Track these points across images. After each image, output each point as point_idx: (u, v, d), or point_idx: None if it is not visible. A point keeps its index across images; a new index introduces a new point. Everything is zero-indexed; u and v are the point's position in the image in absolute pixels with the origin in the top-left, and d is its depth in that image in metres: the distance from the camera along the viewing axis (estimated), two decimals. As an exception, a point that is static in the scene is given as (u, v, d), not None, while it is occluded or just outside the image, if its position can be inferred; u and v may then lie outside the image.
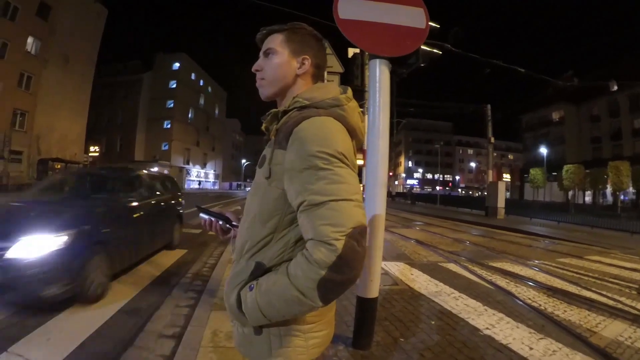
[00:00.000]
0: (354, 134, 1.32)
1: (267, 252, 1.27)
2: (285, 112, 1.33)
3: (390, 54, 3.81)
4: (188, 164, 74.29)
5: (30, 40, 36.96)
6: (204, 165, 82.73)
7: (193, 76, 76.89)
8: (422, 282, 6.69)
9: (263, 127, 1.44)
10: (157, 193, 8.65)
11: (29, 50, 37.07)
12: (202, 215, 1.71)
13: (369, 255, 3.68)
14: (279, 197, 1.24)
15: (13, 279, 4.30)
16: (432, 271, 7.53)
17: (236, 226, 1.61)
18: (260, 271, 1.24)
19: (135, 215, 7.06)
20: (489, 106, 26.17)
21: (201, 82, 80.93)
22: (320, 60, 1.48)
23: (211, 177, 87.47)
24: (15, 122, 36.00)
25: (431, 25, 3.88)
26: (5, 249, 4.31)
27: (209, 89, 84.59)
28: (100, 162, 52.68)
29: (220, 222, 1.66)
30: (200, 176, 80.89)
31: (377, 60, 3.78)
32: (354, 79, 9.10)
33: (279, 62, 1.42)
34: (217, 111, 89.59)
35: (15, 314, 4.70)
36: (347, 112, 1.30)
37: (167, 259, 8.27)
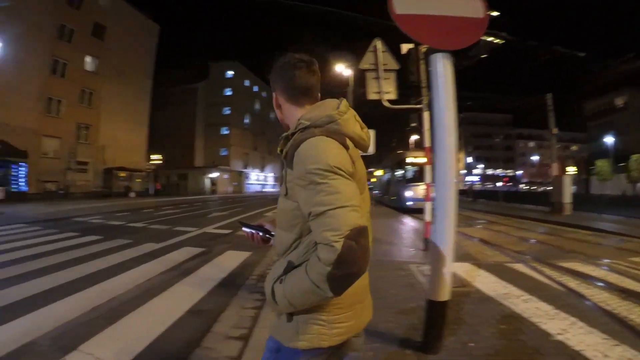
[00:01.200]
0: (355, 141, 1.52)
1: (295, 253, 1.48)
2: (292, 135, 1.51)
3: (451, 47, 3.61)
4: (247, 168, 75.30)
5: (88, 59, 39.66)
6: (262, 169, 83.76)
7: (247, 83, 78.00)
8: (489, 284, 6.33)
9: (278, 150, 1.61)
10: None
11: (87, 68, 39.67)
12: (244, 229, 1.92)
13: (438, 257, 3.54)
14: (296, 208, 1.43)
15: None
16: (499, 272, 7.17)
17: (274, 235, 1.77)
18: (290, 268, 1.44)
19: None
20: (549, 95, 24.77)
21: (255, 88, 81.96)
22: (294, 84, 1.61)
23: (270, 180, 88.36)
24: (80, 135, 38.45)
25: (489, 14, 3.69)
26: None
27: (263, 94, 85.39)
28: (162, 170, 54.54)
29: (260, 234, 1.87)
30: (260, 179, 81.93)
31: (438, 55, 3.59)
32: (409, 75, 8.88)
33: (274, 104, 1.73)
34: (272, 115, 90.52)
35: (86, 314, 4.88)
36: (342, 124, 1.47)
37: (232, 260, 8.33)
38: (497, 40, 3.55)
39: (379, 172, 39.43)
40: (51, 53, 35.18)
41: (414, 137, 39.61)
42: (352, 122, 1.51)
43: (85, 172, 38.84)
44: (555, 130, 24.37)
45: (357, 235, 1.23)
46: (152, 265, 7.85)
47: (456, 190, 3.69)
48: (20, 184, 30.42)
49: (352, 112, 1.55)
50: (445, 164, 3.58)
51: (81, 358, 3.70)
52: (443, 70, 3.55)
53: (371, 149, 15.62)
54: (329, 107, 1.51)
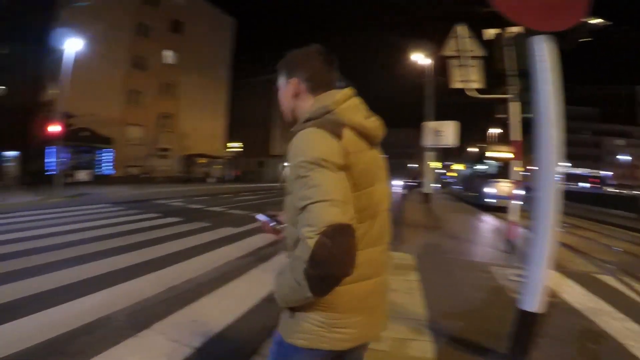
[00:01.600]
0: (358, 131, 1.40)
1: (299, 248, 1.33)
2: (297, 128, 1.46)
3: (552, 28, 3.25)
4: (323, 156, 75.56)
5: (167, 53, 41.51)
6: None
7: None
8: (577, 296, 5.70)
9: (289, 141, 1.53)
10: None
11: (166, 61, 41.56)
12: (257, 216, 1.86)
13: (535, 264, 3.25)
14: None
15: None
16: (587, 283, 6.46)
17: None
18: None
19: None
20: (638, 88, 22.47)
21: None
22: (313, 72, 1.55)
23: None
24: (161, 123, 40.47)
25: None
26: None
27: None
28: (240, 157, 55.89)
29: (272, 223, 1.77)
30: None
31: (539, 37, 3.27)
32: (496, 62, 8.37)
33: (282, 92, 1.65)
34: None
35: (163, 293, 4.98)
36: (339, 114, 1.39)
37: (310, 247, 8.22)
38: (599, 22, 3.18)
39: (458, 167, 38.23)
40: (132, 48, 37.21)
41: (494, 130, 38.16)
42: (352, 111, 1.44)
43: (167, 158, 40.53)
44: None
45: (334, 233, 1.14)
46: (229, 249, 7.86)
47: (556, 191, 3.33)
48: (105, 168, 32.84)
49: (355, 100, 1.50)
50: (547, 160, 3.23)
51: (154, 337, 3.75)
52: (546, 55, 3.24)
53: (452, 141, 15.19)
54: (325, 97, 1.48)
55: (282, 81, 1.64)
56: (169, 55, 41.92)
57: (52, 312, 4.20)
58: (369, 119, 1.49)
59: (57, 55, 26.20)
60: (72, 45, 20.73)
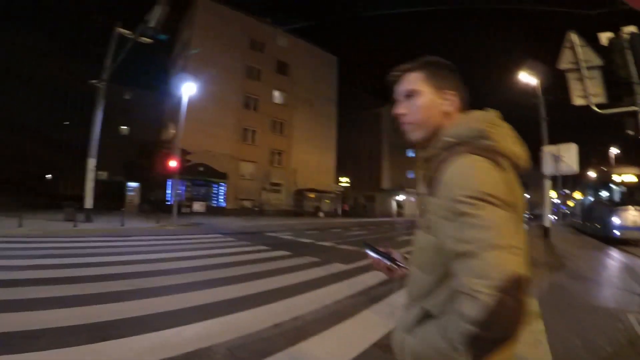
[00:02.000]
0: (512, 162, 1.17)
1: (432, 299, 1.19)
2: (435, 155, 1.28)
3: None
4: (434, 190, 74.57)
5: (276, 93, 45.21)
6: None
7: (428, 103, 77.23)
8: None
9: (419, 174, 1.41)
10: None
11: (276, 101, 45.17)
12: (368, 251, 1.68)
13: None
14: (438, 246, 1.12)
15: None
16: None
17: (402, 266, 1.59)
18: (423, 317, 1.20)
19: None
20: None
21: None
22: (463, 91, 1.37)
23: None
24: (273, 160, 43.43)
25: None
26: None
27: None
28: (349, 191, 56.63)
29: (387, 262, 1.60)
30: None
31: None
32: (618, 69, 7.26)
33: (425, 102, 1.34)
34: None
35: (267, 329, 4.69)
36: (496, 140, 1.17)
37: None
38: None
39: (578, 195, 35.13)
40: (243, 90, 41.05)
41: (615, 150, 34.89)
42: (509, 138, 1.22)
43: (278, 192, 42.87)
44: None
45: (514, 287, 0.91)
46: (339, 286, 7.39)
47: None
48: (219, 200, 35.80)
49: (507, 125, 1.27)
50: None
51: (256, 375, 3.54)
52: None
53: (575, 167, 13.82)
54: (477, 119, 1.24)
55: (425, 90, 1.34)
56: (277, 95, 45.08)
57: (154, 337, 4.15)
58: (522, 148, 1.25)
59: (175, 98, 28.77)
60: (188, 89, 22.57)
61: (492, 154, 1.12)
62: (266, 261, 9.68)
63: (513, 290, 0.90)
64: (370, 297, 6.67)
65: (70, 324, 4.28)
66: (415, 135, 1.36)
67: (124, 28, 18.46)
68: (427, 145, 1.34)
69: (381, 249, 1.64)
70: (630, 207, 16.76)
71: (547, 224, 19.22)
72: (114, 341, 3.92)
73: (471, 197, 1.01)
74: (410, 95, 1.35)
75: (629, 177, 18.73)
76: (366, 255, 1.67)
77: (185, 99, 22.14)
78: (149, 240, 12.53)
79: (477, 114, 1.27)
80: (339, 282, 7.76)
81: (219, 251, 10.95)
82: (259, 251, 11.50)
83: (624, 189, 19.06)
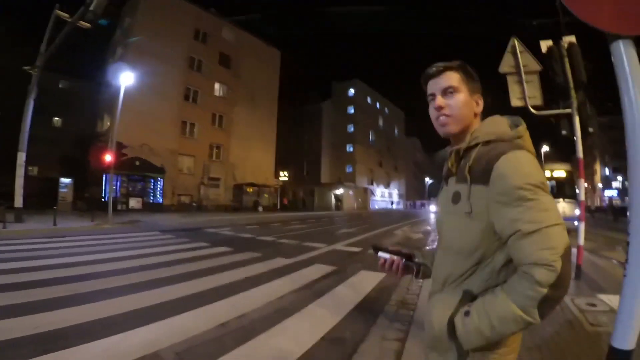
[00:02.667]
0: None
1: (473, 280, 1.36)
2: (468, 149, 1.43)
3: (637, 31, 2.77)
4: (372, 184, 75.41)
5: (217, 86, 44.23)
6: (387, 185, 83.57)
7: (369, 100, 78.28)
8: None
9: (449, 164, 1.51)
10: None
11: (217, 94, 44.24)
12: (380, 254, 1.68)
13: (629, 295, 2.63)
14: (485, 229, 1.31)
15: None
16: None
17: (420, 264, 1.68)
18: (468, 298, 1.34)
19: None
20: None
21: (377, 105, 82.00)
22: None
23: (395, 197, 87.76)
24: (212, 154, 42.54)
25: None
26: None
27: (386, 110, 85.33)
28: (289, 186, 56.55)
29: (403, 260, 1.64)
30: (385, 196, 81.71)
31: (621, 42, 2.74)
32: (555, 76, 7.71)
33: (464, 100, 1.48)
34: (396, 131, 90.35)
35: (214, 329, 4.58)
36: (526, 141, 1.41)
37: (367, 282, 7.60)
38: None
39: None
40: (184, 82, 39.75)
41: (545, 148, 37.06)
42: (529, 141, 1.44)
43: (217, 187, 42.12)
44: None
45: (569, 253, 1.17)
46: (283, 281, 7.38)
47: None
48: (157, 196, 34.25)
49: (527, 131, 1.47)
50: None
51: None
52: (630, 61, 2.70)
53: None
54: (503, 122, 1.46)
55: (463, 89, 1.49)
56: (219, 88, 44.17)
57: (98, 346, 3.91)
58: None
59: (112, 89, 27.50)
60: (126, 79, 21.37)
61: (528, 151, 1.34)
62: (207, 258, 9.53)
63: (569, 256, 1.16)
64: (314, 291, 6.72)
65: (8, 337, 3.99)
66: (450, 128, 1.49)
67: (62, 11, 17.25)
68: (459, 139, 1.50)
69: (391, 248, 1.68)
70: (560, 200, 17.70)
71: None
72: (58, 353, 3.68)
73: (533, 185, 1.21)
74: (450, 91, 1.48)
75: (559, 173, 20.11)
76: (377, 259, 1.69)
77: (122, 90, 20.94)
78: (85, 240, 11.97)
79: (512, 118, 1.46)
80: (282, 277, 7.75)
81: (158, 250, 10.65)
82: (199, 248, 11.32)
83: (554, 183, 20.79)
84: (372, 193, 74.63)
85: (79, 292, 5.92)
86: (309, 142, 67.25)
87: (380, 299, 6.40)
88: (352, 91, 73.40)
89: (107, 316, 4.82)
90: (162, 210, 32.19)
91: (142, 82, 27.87)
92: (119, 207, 27.81)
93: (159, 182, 33.86)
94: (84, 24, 16.56)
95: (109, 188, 21.29)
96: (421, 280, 1.90)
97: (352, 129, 71.38)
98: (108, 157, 19.82)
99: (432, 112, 1.52)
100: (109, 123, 33.73)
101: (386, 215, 44.60)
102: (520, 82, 8.07)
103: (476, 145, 1.40)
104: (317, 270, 8.50)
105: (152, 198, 33.23)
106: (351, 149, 70.79)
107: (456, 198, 1.40)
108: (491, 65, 8.52)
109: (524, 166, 1.25)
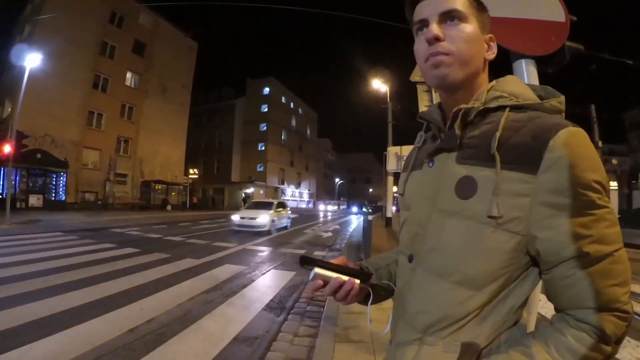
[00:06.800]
0: None
1: (480, 326, 0.87)
2: (483, 113, 0.95)
3: (537, 52, 3.15)
4: (283, 184, 75.42)
5: (129, 75, 41.35)
6: (298, 185, 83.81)
7: (283, 99, 78.12)
8: None
9: (458, 131, 0.96)
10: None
11: (128, 84, 41.38)
12: (317, 272, 1.04)
13: None
14: (517, 246, 0.84)
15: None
16: None
17: (375, 285, 1.12)
18: (470, 356, 0.86)
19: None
20: (592, 107, 22.63)
21: (291, 105, 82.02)
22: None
23: (305, 197, 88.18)
24: (120, 148, 39.80)
25: (570, 18, 3.23)
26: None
27: (300, 110, 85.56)
28: (199, 184, 55.33)
29: (357, 281, 1.03)
30: (295, 196, 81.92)
31: (523, 61, 3.13)
32: None
33: (472, 33, 0.97)
34: (309, 132, 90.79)
35: (123, 336, 4.46)
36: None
37: (277, 280, 7.91)
38: (579, 46, 3.09)
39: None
40: (93, 68, 36.44)
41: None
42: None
43: (124, 184, 39.86)
44: (600, 143, 22.60)
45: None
46: (192, 282, 7.42)
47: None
48: (59, 193, 31.56)
49: None
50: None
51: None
52: (529, 78, 3.09)
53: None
54: (529, 89, 1.00)
55: (471, 18, 0.98)
56: (130, 77, 41.62)
57: None
58: None
59: (15, 71, 25.22)
60: (31, 61, 19.44)
61: None
62: (113, 260, 9.29)
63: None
64: (224, 292, 6.85)
65: None
66: (451, 71, 0.96)
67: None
68: (457, 97, 1.02)
69: (334, 262, 1.08)
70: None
71: (389, 214, 21.16)
72: None
73: (601, 185, 0.80)
74: (451, 17, 0.97)
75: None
76: (311, 276, 1.06)
77: (27, 73, 18.96)
78: None
79: (537, 87, 1.04)
80: (192, 278, 7.78)
81: (60, 252, 10.12)
82: (104, 250, 10.97)
83: None
84: (283, 192, 74.74)
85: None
86: (220, 139, 66.23)
87: (291, 297, 6.71)
88: (266, 89, 72.96)
89: (4, 329, 4.47)
90: (64, 208, 30.15)
91: (49, 66, 26.09)
92: (18, 205, 25.76)
93: (61, 178, 31.33)
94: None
95: (6, 183, 19.71)
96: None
97: (265, 128, 71.11)
98: (7, 148, 18.04)
99: (421, 48, 1.00)
100: (9, 109, 30.81)
101: (296, 214, 44.83)
102: (429, 91, 8.53)
103: (498, 108, 0.95)
104: (227, 270, 8.64)
105: (54, 195, 30.79)
106: (263, 148, 70.52)
107: (467, 188, 0.90)
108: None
109: (593, 153, 0.82)
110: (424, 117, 1.13)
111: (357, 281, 1.03)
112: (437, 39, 0.95)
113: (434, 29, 0.95)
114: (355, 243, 15.35)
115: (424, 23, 0.99)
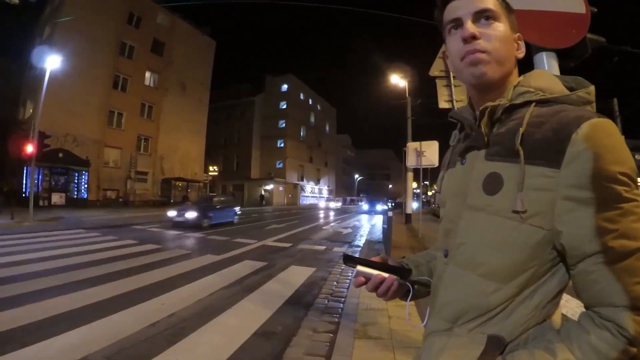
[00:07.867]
0: None
1: (507, 320, 0.88)
2: (510, 109, 0.95)
3: (558, 44, 3.07)
4: (302, 180, 75.34)
5: (148, 74, 41.55)
6: (317, 181, 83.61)
7: (302, 96, 78.04)
8: None
9: (484, 129, 0.98)
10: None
11: (147, 83, 41.60)
12: (360, 270, 1.10)
13: None
14: (542, 241, 0.84)
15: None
16: None
17: (415, 281, 1.16)
18: (496, 349, 0.85)
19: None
20: (615, 100, 21.88)
21: (310, 101, 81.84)
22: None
23: (325, 193, 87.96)
24: (140, 146, 40.17)
25: (591, 9, 3.13)
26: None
27: (318, 106, 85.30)
28: (218, 180, 55.46)
29: (396, 278, 1.09)
30: (314, 192, 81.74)
31: (544, 54, 3.05)
32: None
33: (505, 32, 0.99)
34: (327, 128, 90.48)
35: (144, 330, 4.55)
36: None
37: (297, 276, 7.87)
38: (601, 39, 3.00)
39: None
40: (113, 68, 36.74)
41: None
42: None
43: (145, 181, 40.20)
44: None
45: None
46: (213, 278, 7.47)
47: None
48: (81, 191, 31.95)
49: None
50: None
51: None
52: (551, 69, 3.02)
53: (435, 162, 14.96)
54: (558, 81, 0.99)
55: (503, 19, 1.00)
56: (150, 76, 41.88)
57: (20, 355, 3.73)
58: None
59: (36, 72, 25.43)
60: (52, 63, 19.80)
61: None
62: (135, 256, 9.42)
63: None
64: (244, 287, 6.87)
65: None
66: (492, 72, 0.97)
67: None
68: (488, 96, 1.02)
69: (374, 260, 1.14)
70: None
71: (408, 210, 20.86)
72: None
73: (629, 177, 0.79)
74: (485, 16, 0.99)
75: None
76: (354, 273, 1.12)
77: (47, 74, 19.37)
78: (4, 239, 11.25)
79: (566, 78, 1.03)
80: (212, 274, 7.84)
81: (83, 249, 10.29)
82: (126, 246, 11.13)
83: None
84: (302, 189, 74.70)
85: (-2, 298, 5.61)
86: (239, 136, 66.39)
87: (311, 293, 6.68)
88: (285, 86, 72.92)
89: (30, 322, 4.60)
90: (86, 206, 30.44)
91: (69, 67, 26.29)
92: (41, 203, 26.12)
93: (83, 176, 31.80)
94: (12, 0, 15.45)
95: (29, 182, 19.86)
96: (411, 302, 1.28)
97: (284, 124, 71.11)
98: (30, 148, 18.33)
99: (457, 47, 1.01)
100: (31, 110, 31.09)
101: (315, 211, 44.82)
102: (449, 86, 8.47)
103: (524, 104, 0.95)
104: (247, 266, 8.67)
105: (76, 193, 31.21)
106: (282, 144, 70.53)
107: (493, 184, 0.92)
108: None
109: (619, 143, 0.81)
110: (454, 117, 1.17)
111: (397, 278, 1.09)
112: (474, 37, 0.96)
113: (470, 27, 0.97)
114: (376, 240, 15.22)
115: (458, 22, 1.01)
